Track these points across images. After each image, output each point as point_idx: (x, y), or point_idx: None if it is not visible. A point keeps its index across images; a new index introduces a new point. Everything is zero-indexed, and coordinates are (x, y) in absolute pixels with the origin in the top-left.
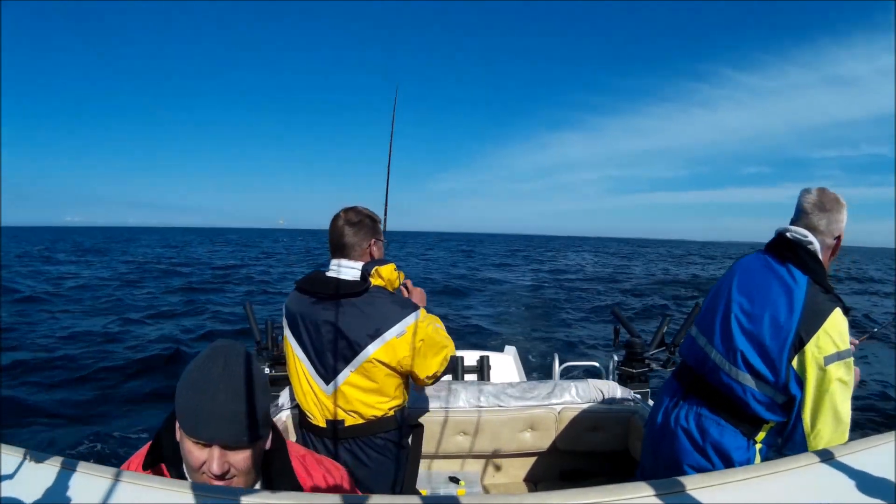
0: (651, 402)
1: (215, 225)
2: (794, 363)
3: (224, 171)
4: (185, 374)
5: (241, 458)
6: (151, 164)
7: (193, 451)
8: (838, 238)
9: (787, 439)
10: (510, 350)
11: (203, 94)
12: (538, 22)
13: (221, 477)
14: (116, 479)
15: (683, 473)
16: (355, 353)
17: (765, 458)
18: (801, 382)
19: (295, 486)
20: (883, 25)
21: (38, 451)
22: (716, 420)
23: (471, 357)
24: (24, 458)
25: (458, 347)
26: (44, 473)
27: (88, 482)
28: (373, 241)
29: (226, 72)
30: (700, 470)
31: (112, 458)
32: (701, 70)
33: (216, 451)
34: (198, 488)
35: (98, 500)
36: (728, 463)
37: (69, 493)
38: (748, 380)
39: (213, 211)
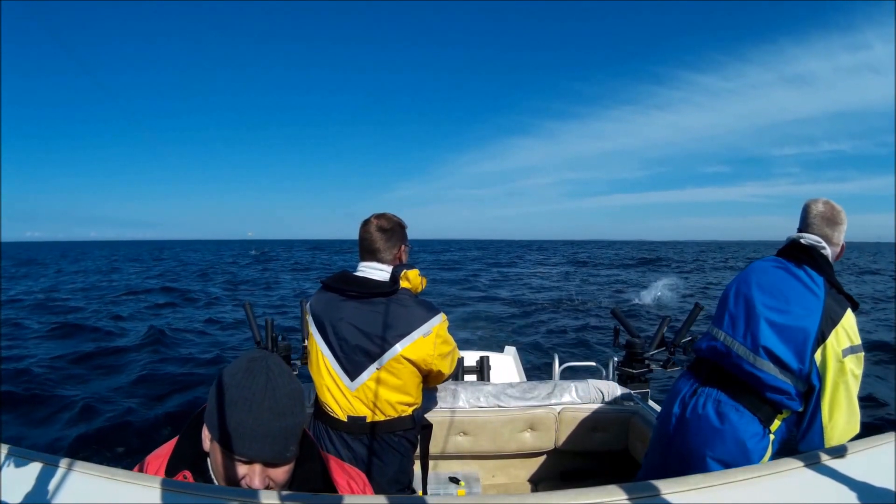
0: (651, 403)
1: (186, 238)
2: (817, 356)
3: (187, 184)
4: (222, 389)
5: (281, 471)
6: (112, 179)
7: (232, 467)
8: (842, 246)
9: (807, 430)
10: (510, 350)
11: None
12: (494, 30)
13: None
14: (116, 479)
15: (699, 460)
16: (383, 351)
17: (776, 451)
18: (821, 374)
19: (326, 489)
20: (841, 24)
21: (22, 448)
22: (735, 406)
23: (471, 357)
24: (9, 455)
25: (457, 348)
26: (28, 472)
27: (87, 481)
28: (402, 247)
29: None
30: (716, 456)
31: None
32: (658, 73)
33: (258, 467)
34: (186, 486)
35: (97, 499)
36: (744, 449)
37: (61, 491)
38: (772, 369)
39: (181, 224)
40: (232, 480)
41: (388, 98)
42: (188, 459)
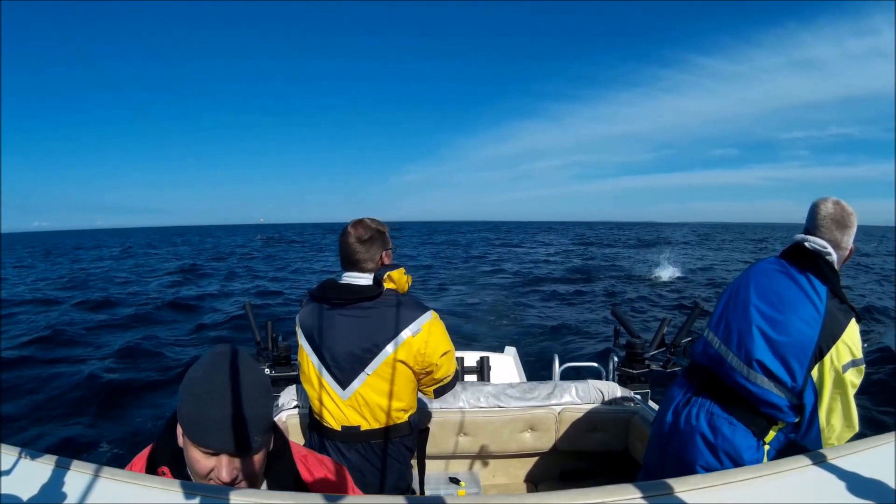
0: (651, 403)
1: (196, 223)
2: (814, 373)
3: (195, 171)
4: (188, 383)
5: (248, 463)
6: (116, 167)
7: (201, 460)
8: (851, 249)
9: (804, 436)
10: (510, 350)
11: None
12: (503, 12)
13: (231, 484)
14: (114, 478)
15: (692, 472)
16: (373, 356)
17: (772, 460)
18: (817, 388)
19: (298, 486)
20: (849, 9)
21: (33, 450)
22: (728, 419)
23: (471, 357)
24: (20, 457)
25: (457, 348)
26: (40, 472)
27: (85, 482)
28: (383, 252)
29: (187, 73)
30: (710, 469)
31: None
32: (667, 56)
33: (225, 459)
34: (196, 488)
35: (96, 500)
36: (738, 462)
37: (67, 492)
38: (765, 382)
39: (191, 210)
40: (202, 474)
41: (396, 83)
42: (167, 456)
